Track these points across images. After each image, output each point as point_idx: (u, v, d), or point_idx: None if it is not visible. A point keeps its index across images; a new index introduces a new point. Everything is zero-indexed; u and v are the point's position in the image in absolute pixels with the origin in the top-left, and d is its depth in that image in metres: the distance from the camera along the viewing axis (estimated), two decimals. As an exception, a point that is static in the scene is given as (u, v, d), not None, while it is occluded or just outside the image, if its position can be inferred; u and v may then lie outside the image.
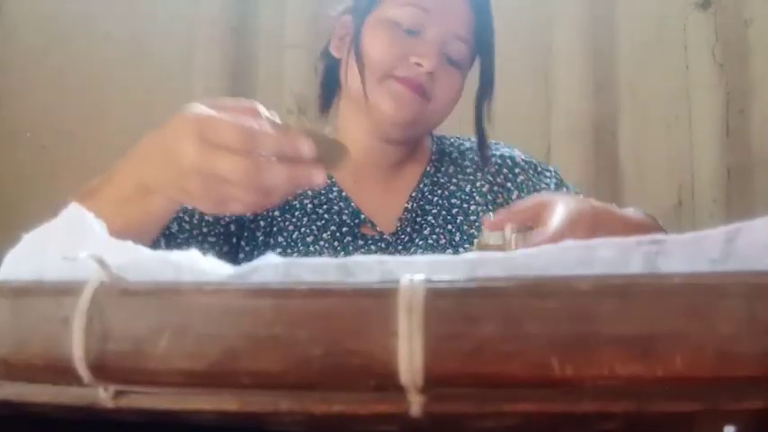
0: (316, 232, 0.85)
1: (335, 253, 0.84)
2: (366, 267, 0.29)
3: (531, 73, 1.56)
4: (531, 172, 0.94)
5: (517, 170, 0.93)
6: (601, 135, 1.51)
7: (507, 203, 0.90)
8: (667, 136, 1.51)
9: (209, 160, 0.52)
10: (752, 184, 1.45)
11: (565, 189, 0.93)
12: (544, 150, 1.53)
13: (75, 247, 0.33)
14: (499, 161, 0.94)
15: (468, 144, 0.97)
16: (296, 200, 0.87)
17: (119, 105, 1.58)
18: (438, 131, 0.98)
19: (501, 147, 0.97)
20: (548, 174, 0.94)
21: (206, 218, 0.81)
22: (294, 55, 1.54)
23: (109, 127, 1.57)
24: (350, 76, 0.86)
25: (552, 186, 0.91)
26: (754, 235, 0.27)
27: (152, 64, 1.59)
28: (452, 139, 0.98)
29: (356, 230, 0.86)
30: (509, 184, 0.92)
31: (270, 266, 0.30)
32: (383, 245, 0.86)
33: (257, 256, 0.87)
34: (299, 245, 0.84)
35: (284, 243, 0.85)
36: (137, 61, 1.59)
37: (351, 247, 0.85)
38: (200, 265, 0.31)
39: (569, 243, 0.28)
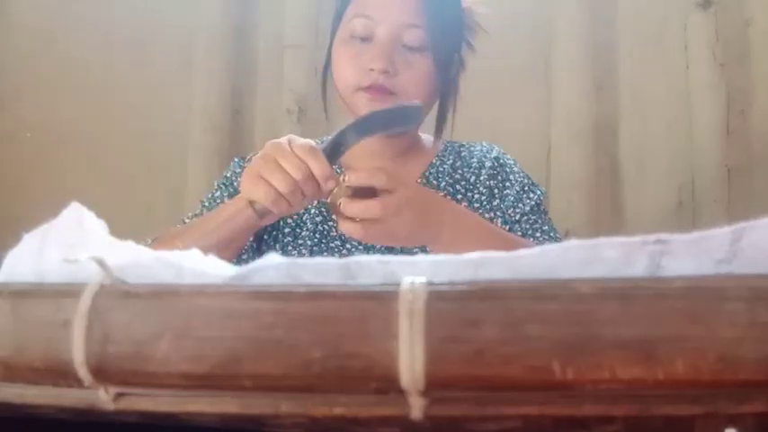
0: (325, 213, 0.93)
1: None
2: (368, 268, 0.29)
3: (531, 73, 1.56)
4: (515, 167, 1.00)
5: (507, 168, 0.99)
6: (601, 135, 1.51)
7: (503, 195, 0.95)
8: (667, 136, 1.50)
9: (281, 151, 0.70)
10: (752, 183, 1.44)
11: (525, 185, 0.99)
12: (544, 150, 1.53)
13: (76, 247, 0.33)
14: (495, 161, 0.99)
15: (479, 147, 1.02)
16: None
17: (119, 105, 1.58)
18: (455, 138, 1.03)
19: (493, 148, 1.02)
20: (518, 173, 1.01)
21: None
22: (294, 55, 1.54)
23: (109, 127, 1.57)
24: (335, 92, 0.96)
25: (517, 187, 0.98)
26: (759, 235, 0.27)
27: (152, 64, 1.59)
28: (465, 143, 1.04)
29: None
30: (507, 183, 0.97)
31: (271, 267, 0.30)
32: None
33: (269, 236, 0.93)
34: (308, 224, 0.93)
35: (293, 224, 0.94)
36: (137, 61, 1.59)
37: None
38: (201, 266, 0.31)
39: (573, 243, 0.28)
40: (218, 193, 0.95)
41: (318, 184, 0.70)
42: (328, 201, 0.73)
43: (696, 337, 0.24)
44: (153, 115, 1.58)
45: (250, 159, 0.99)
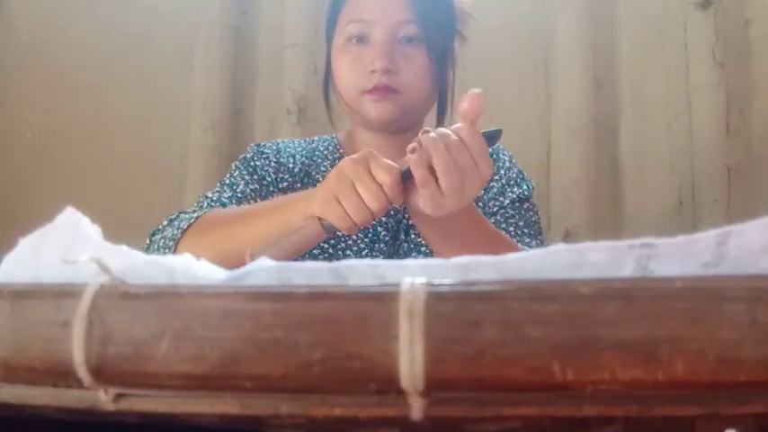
0: None
1: None
2: (359, 271, 0.29)
3: (531, 72, 1.56)
4: (507, 163, 1.01)
5: (500, 162, 1.00)
6: (601, 134, 1.51)
7: (488, 187, 0.96)
8: (667, 136, 1.50)
9: (363, 167, 0.68)
10: (752, 183, 1.44)
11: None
12: (544, 150, 1.53)
13: (71, 251, 0.33)
14: (503, 157, 1.00)
15: None
16: (318, 175, 0.97)
17: (119, 105, 1.58)
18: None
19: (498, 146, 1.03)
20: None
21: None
22: (294, 55, 1.54)
23: (109, 127, 1.57)
24: (338, 97, 0.97)
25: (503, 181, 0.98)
26: (745, 238, 0.27)
27: (152, 64, 1.59)
28: None
29: None
30: (495, 177, 0.98)
31: (262, 270, 0.30)
32: (393, 213, 0.92)
33: None
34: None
35: None
36: (137, 61, 1.59)
37: None
38: (193, 270, 0.31)
39: (560, 247, 0.28)
40: (237, 173, 0.95)
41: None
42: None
43: (696, 338, 0.24)
44: (153, 115, 1.58)
45: (265, 146, 1.00)
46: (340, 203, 0.68)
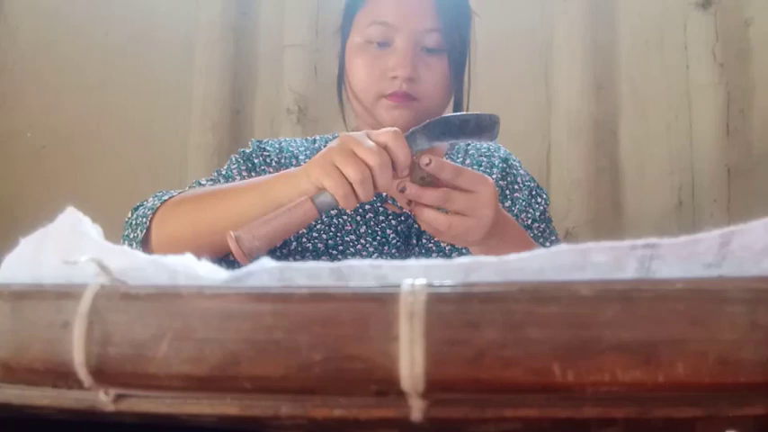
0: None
1: (358, 226, 0.91)
2: (360, 272, 0.29)
3: (531, 73, 1.56)
4: (521, 170, 1.00)
5: (515, 170, 0.99)
6: (601, 134, 1.51)
7: (514, 198, 0.95)
8: (667, 136, 1.50)
9: (357, 140, 0.66)
10: (752, 184, 1.44)
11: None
12: (544, 150, 1.53)
13: (72, 251, 0.33)
14: (504, 162, 0.99)
15: (486, 146, 1.03)
16: None
17: (119, 106, 1.58)
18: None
19: (500, 148, 1.02)
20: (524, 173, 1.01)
21: None
22: (294, 55, 1.54)
23: (109, 127, 1.57)
24: (351, 97, 0.95)
25: (526, 192, 0.98)
26: (748, 238, 0.27)
27: (152, 64, 1.59)
28: (470, 143, 1.04)
29: (378, 207, 0.92)
30: (515, 186, 0.97)
31: (264, 271, 0.30)
32: (404, 218, 0.92)
33: None
34: (323, 216, 0.90)
35: None
36: (137, 61, 1.59)
37: (372, 222, 0.91)
38: (195, 270, 0.31)
39: (563, 247, 0.28)
40: (236, 166, 0.93)
41: (391, 175, 0.66)
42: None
43: (696, 340, 0.24)
44: (153, 115, 1.58)
45: (267, 142, 0.98)
46: (337, 168, 0.65)
